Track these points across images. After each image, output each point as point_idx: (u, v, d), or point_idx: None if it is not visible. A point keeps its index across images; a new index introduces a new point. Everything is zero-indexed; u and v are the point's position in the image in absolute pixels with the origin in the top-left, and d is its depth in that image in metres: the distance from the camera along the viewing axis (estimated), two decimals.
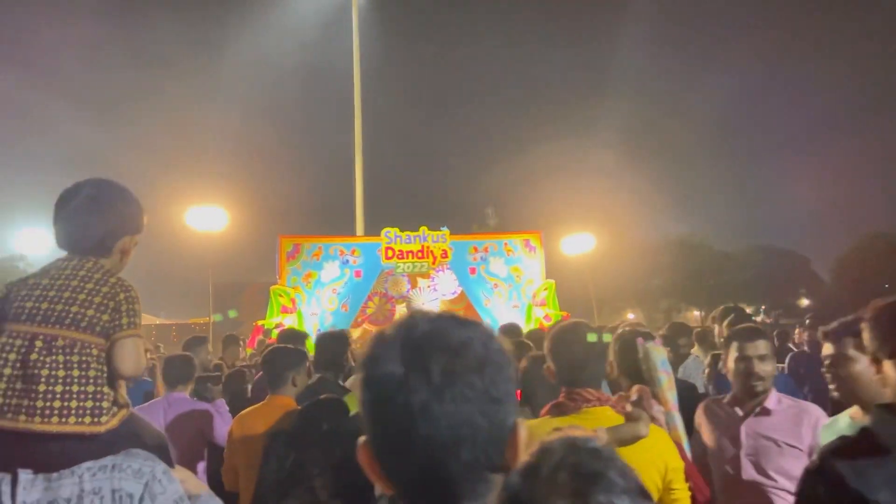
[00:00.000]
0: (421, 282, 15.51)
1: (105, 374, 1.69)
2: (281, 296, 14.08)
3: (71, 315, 1.65)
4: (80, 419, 1.59)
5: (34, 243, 22.62)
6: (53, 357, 1.60)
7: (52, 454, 1.58)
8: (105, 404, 1.64)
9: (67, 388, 1.59)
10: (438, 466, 0.82)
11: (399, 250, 14.67)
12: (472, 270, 15.07)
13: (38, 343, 1.61)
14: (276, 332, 13.69)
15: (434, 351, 0.83)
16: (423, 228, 14.86)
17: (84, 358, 1.63)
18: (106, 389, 1.67)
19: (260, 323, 14.30)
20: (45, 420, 1.56)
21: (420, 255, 14.80)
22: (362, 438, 0.88)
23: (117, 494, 1.54)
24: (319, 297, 14.35)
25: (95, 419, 1.62)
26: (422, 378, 0.81)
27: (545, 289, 14.54)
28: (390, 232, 14.71)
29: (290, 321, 14.08)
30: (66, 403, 1.57)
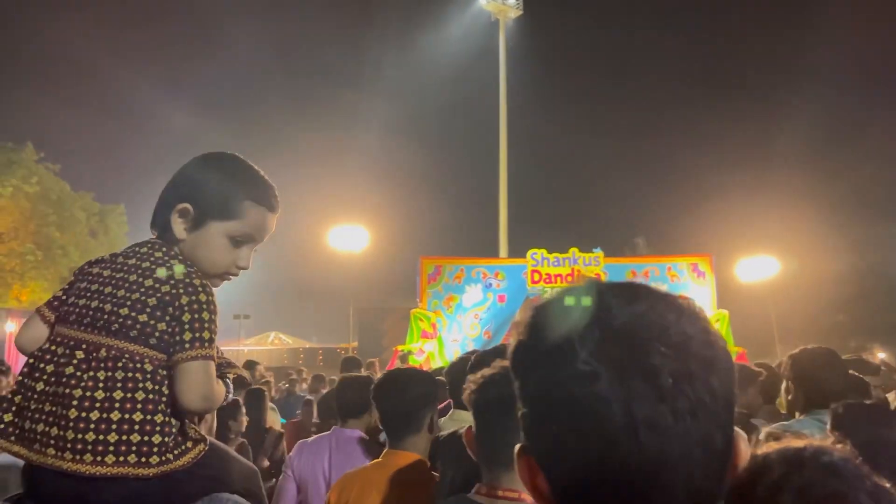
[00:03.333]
0: None
1: (163, 399, 1.28)
2: (421, 320, 13.45)
3: (120, 319, 1.28)
4: (120, 458, 1.20)
5: None
6: (93, 373, 1.24)
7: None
8: (157, 439, 1.24)
9: (105, 415, 1.21)
10: (653, 492, 0.63)
11: (546, 273, 13.53)
12: None
13: (79, 354, 1.26)
14: (413, 357, 13.09)
15: (653, 344, 0.64)
16: (574, 250, 13.64)
17: (131, 375, 1.26)
18: (160, 419, 1.26)
19: (400, 348, 13.71)
20: (77, 458, 1.19)
21: (570, 279, 13.52)
22: (520, 446, 0.71)
23: None
24: (461, 323, 13.54)
25: (143, 459, 1.22)
26: (643, 383, 0.62)
27: (717, 320, 12.70)
28: (537, 254, 13.62)
29: (430, 347, 13.44)
30: (102, 437, 1.20)
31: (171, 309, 1.28)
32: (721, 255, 14.94)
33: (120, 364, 1.25)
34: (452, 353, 13.23)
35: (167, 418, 1.28)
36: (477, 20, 25.22)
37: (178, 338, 1.28)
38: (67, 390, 1.22)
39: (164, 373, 1.29)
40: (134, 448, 1.21)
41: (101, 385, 1.23)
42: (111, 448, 1.20)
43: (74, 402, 1.21)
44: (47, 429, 1.22)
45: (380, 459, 2.30)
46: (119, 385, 1.24)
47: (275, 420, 5.35)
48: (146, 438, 1.23)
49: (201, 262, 1.39)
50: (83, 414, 1.20)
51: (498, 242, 19.87)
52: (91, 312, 1.29)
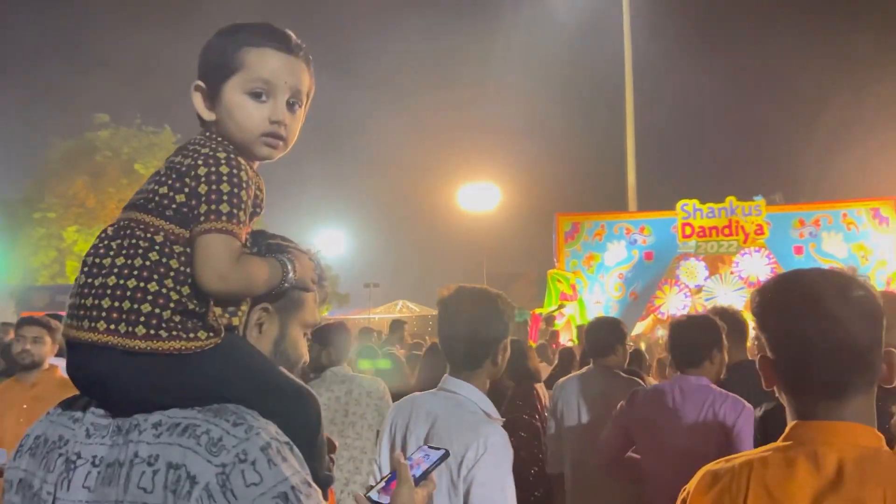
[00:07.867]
0: (721, 268, 12.90)
1: (168, 273, 1.20)
2: (559, 281, 12.68)
3: (144, 194, 1.27)
4: (111, 325, 1.15)
5: (329, 243, 26.51)
6: (108, 242, 1.23)
7: (115, 387, 1.18)
8: (146, 308, 1.16)
9: (103, 280, 1.18)
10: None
11: (700, 226, 12.32)
12: (798, 250, 12.06)
13: (110, 230, 1.27)
14: (557, 322, 12.34)
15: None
16: (731, 199, 12.29)
17: (135, 242, 1.21)
18: (153, 287, 1.17)
19: (538, 311, 13.01)
20: (77, 324, 1.18)
21: (727, 231, 12.23)
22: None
23: (173, 474, 1.09)
24: (604, 284, 12.64)
25: (130, 328, 1.15)
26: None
27: None
28: (688, 205, 12.41)
29: (570, 310, 12.67)
30: (97, 301, 1.16)
31: (187, 179, 1.23)
32: None
33: (129, 232, 1.23)
34: (595, 315, 12.37)
35: (165, 290, 1.19)
36: None
37: (195, 211, 1.22)
38: (87, 259, 1.24)
39: (180, 249, 1.22)
40: (124, 316, 1.16)
41: (111, 252, 1.21)
42: (103, 314, 1.16)
43: (86, 269, 1.23)
44: (72, 300, 1.22)
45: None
46: (123, 252, 1.21)
47: None
48: (135, 307, 1.16)
49: (235, 134, 1.32)
50: (88, 280, 1.20)
51: (626, 195, 18.56)
52: (137, 193, 1.31)
